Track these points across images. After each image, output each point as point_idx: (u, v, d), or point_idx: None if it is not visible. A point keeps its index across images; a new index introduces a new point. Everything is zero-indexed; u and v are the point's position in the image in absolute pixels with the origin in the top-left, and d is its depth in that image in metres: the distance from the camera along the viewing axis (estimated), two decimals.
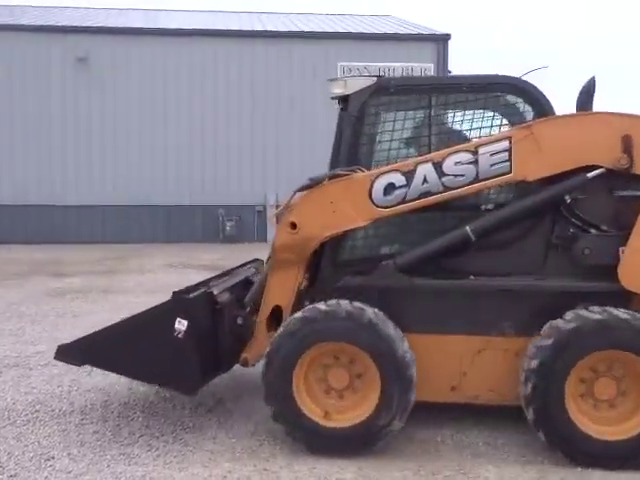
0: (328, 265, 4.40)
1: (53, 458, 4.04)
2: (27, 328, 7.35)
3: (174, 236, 16.97)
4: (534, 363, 3.86)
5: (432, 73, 17.48)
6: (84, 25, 18.06)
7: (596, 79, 4.42)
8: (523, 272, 4.23)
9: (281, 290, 4.38)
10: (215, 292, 4.53)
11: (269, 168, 17.65)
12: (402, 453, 4.11)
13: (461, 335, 4.21)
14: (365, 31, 19.05)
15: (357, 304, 4.07)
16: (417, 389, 4.15)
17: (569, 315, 3.89)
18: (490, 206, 4.34)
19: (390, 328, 4.00)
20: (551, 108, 4.24)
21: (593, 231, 4.14)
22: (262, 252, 6.32)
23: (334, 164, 4.50)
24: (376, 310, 4.06)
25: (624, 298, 3.99)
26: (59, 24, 18.13)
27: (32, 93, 17.21)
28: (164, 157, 17.50)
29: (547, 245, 4.22)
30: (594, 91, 4.43)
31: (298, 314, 4.11)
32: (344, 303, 4.07)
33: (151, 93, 17.51)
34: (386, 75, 4.67)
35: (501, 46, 59.90)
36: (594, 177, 4.05)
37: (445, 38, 18.28)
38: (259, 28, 18.74)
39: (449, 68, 18.24)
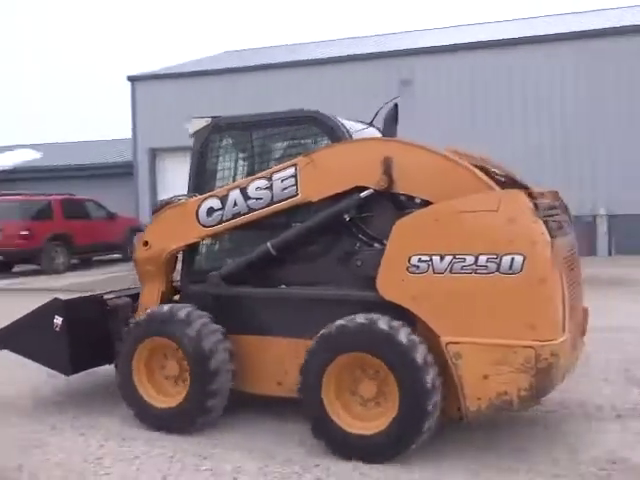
0: (184, 275, 5.25)
1: None
2: None
3: None
4: (302, 362, 4.34)
5: None
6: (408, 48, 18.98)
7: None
8: (325, 282, 4.70)
9: (149, 296, 5.31)
10: (107, 297, 5.56)
11: (599, 175, 16.32)
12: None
13: (281, 337, 4.74)
14: None
15: (177, 306, 4.88)
16: (248, 382, 4.86)
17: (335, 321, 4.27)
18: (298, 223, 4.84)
19: (197, 323, 4.70)
20: (344, 135, 4.72)
21: (376, 245, 4.48)
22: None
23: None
24: (189, 308, 4.79)
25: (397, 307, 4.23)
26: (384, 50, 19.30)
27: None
28: None
29: (340, 259, 4.66)
30: (397, 117, 4.83)
31: (141, 316, 5.00)
32: (170, 306, 4.91)
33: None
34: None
35: None
36: (370, 197, 4.46)
37: None
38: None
39: None
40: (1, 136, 69.75)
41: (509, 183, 5.10)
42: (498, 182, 4.95)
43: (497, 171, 5.05)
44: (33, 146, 27.67)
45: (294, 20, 77.29)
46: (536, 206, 4.03)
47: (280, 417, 4.94)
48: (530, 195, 4.11)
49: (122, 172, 22.30)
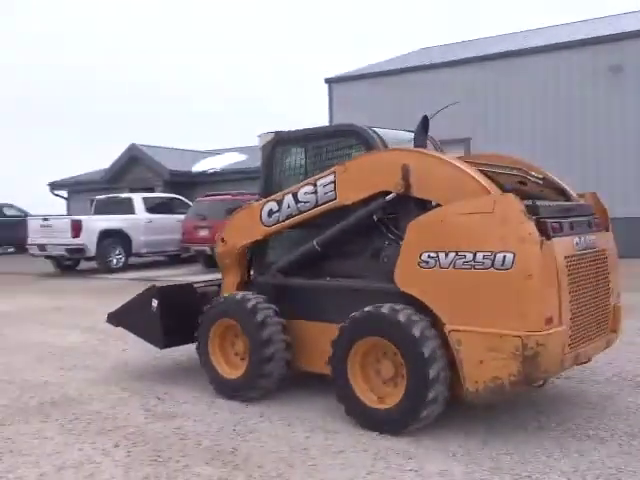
0: (254, 268, 6.15)
1: None
2: None
3: None
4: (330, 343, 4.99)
5: None
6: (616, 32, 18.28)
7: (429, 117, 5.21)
8: (361, 275, 5.32)
9: (228, 285, 6.27)
10: (197, 285, 6.60)
11: None
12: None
13: (327, 323, 5.38)
14: None
15: (248, 295, 5.66)
16: (300, 361, 5.59)
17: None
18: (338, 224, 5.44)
19: (261, 314, 5.46)
20: (377, 145, 5.28)
21: (400, 243, 4.97)
22: None
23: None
24: (259, 299, 5.57)
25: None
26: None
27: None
28: None
29: (372, 255, 5.27)
30: (428, 128, 5.26)
31: (218, 299, 5.92)
32: (243, 294, 5.72)
33: None
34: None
35: None
36: (394, 200, 5.00)
37: None
38: None
39: None
40: (213, 141, 77.39)
41: (545, 185, 5.44)
42: (536, 184, 5.33)
43: (534, 174, 5.42)
44: (239, 149, 29.63)
45: (481, 14, 77.42)
46: (533, 208, 4.40)
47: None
48: (526, 197, 4.50)
49: None
